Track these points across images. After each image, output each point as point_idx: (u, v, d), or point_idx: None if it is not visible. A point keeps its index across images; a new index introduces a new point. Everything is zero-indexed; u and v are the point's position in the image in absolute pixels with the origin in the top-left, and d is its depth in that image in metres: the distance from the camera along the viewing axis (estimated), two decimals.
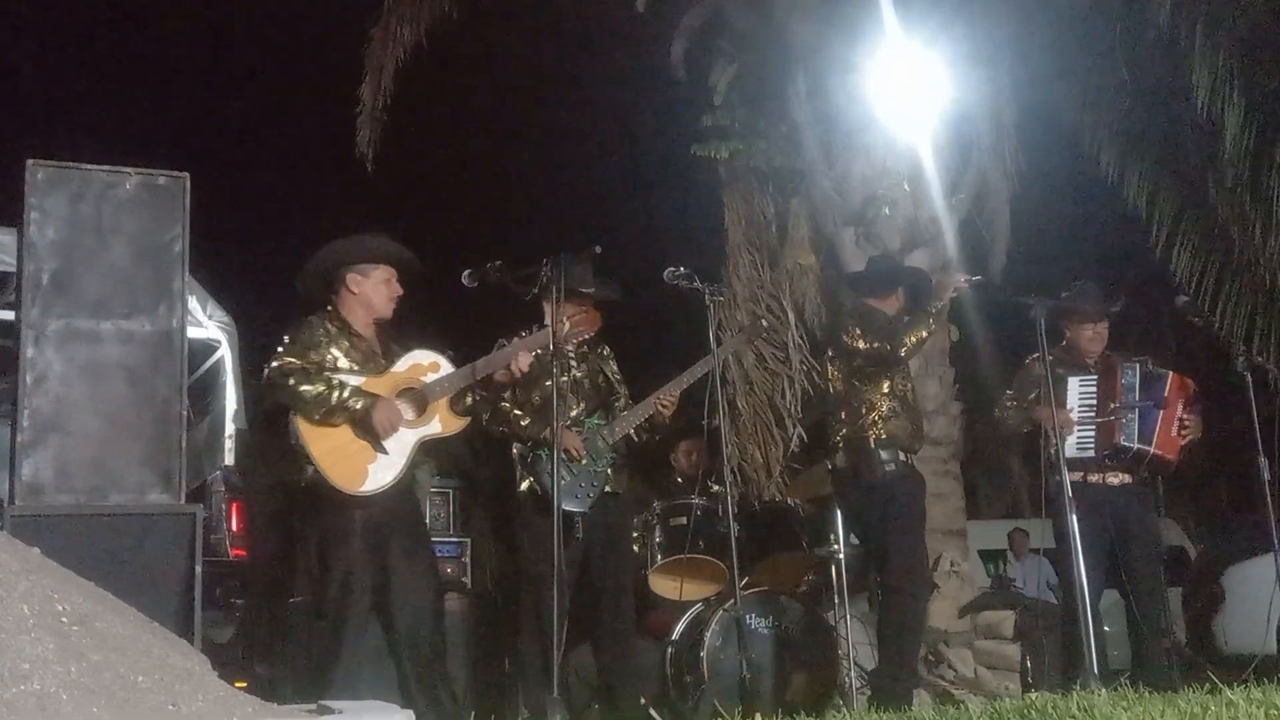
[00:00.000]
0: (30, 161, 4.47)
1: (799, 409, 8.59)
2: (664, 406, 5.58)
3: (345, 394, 4.82)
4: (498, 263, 5.23)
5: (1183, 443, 6.03)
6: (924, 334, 5.74)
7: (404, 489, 5.01)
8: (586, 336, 5.48)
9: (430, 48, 9.63)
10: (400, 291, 5.18)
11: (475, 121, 13.73)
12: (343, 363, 4.98)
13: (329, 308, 5.14)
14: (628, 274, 6.18)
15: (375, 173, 9.94)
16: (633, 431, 5.71)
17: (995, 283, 7.62)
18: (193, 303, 6.55)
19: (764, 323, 7.38)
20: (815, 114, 8.56)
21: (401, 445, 4.92)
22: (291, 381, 4.82)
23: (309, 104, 13.59)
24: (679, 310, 5.50)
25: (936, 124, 8.29)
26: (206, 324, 7.14)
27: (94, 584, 3.26)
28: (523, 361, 5.24)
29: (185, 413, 4.53)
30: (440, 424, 5.06)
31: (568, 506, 5.25)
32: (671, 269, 5.30)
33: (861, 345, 5.76)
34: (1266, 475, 5.72)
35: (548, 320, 5.59)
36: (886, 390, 5.76)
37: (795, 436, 8.55)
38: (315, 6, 12.10)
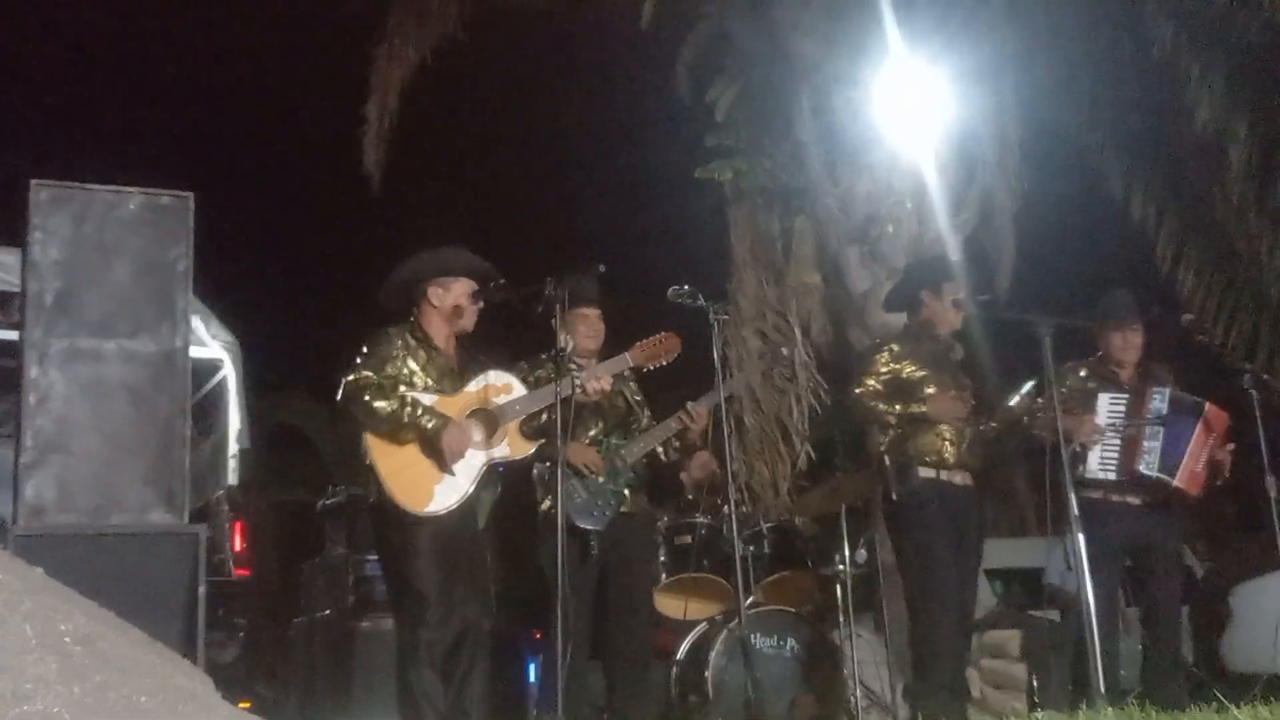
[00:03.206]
0: (34, 181, 4.48)
1: (806, 426, 8.56)
2: (691, 422, 5.57)
3: (418, 412, 4.82)
4: (501, 281, 5.24)
5: (1205, 479, 5.86)
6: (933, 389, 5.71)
7: (469, 508, 5.01)
8: (664, 362, 5.49)
9: (435, 67, 9.65)
10: (480, 304, 5.19)
11: (480, 139, 13.77)
12: (418, 377, 4.98)
13: (411, 320, 5.15)
14: (633, 292, 6.18)
15: (381, 191, 9.96)
16: (662, 450, 5.70)
17: (1001, 300, 7.59)
18: (196, 322, 6.56)
19: (785, 351, 7.36)
20: (819, 132, 8.56)
21: (469, 467, 4.91)
22: (366, 396, 4.81)
23: (314, 123, 13.64)
24: (685, 328, 5.48)
25: (941, 142, 8.29)
26: (210, 343, 7.17)
27: (97, 604, 3.25)
28: (598, 385, 5.24)
29: (188, 432, 4.52)
30: (509, 447, 5.04)
31: (583, 524, 5.26)
32: (675, 287, 5.29)
33: (885, 408, 5.73)
34: (1274, 494, 5.69)
35: (562, 339, 5.60)
36: (916, 408, 5.71)
37: (803, 454, 8.52)
38: (319, 26, 12.13)
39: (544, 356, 5.62)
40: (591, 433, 5.51)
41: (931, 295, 5.93)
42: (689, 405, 5.57)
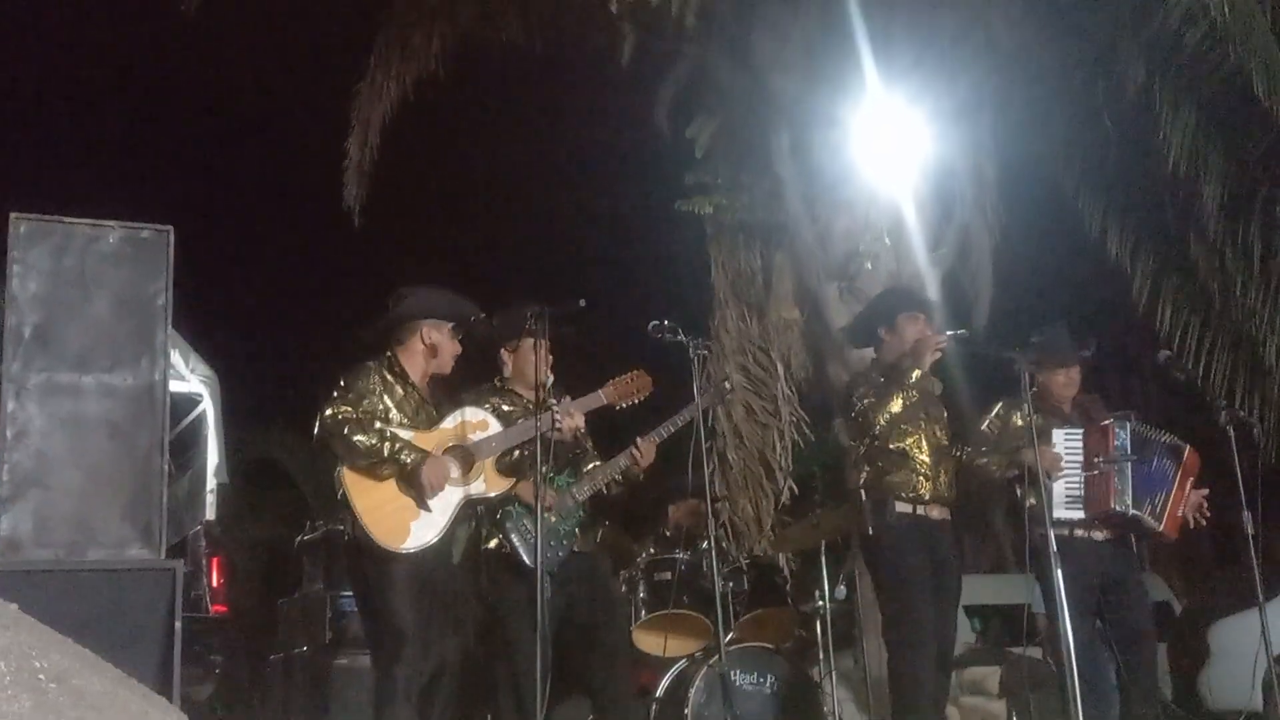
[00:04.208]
0: (13, 215, 4.47)
1: (789, 462, 8.57)
2: (639, 458, 5.53)
3: (396, 447, 4.81)
4: (481, 315, 5.25)
5: (1183, 522, 5.88)
6: (896, 408, 5.69)
7: (446, 544, 4.98)
8: (637, 400, 5.47)
9: (416, 102, 9.69)
10: (459, 338, 5.20)
11: (461, 175, 13.79)
12: (394, 414, 4.97)
13: (388, 354, 5.13)
14: (614, 328, 6.18)
15: (361, 226, 9.96)
16: (604, 486, 5.66)
17: (979, 335, 7.63)
18: (175, 356, 6.54)
19: (727, 385, 7.31)
20: (798, 168, 8.60)
21: (445, 504, 4.90)
22: (346, 430, 4.80)
23: (295, 158, 13.64)
24: (665, 364, 5.48)
25: (918, 178, 8.34)
26: (189, 377, 7.13)
27: (72, 640, 3.22)
28: (574, 423, 5.23)
29: (167, 467, 4.50)
30: (485, 483, 5.04)
31: (534, 564, 5.21)
32: (656, 322, 5.28)
33: (854, 417, 5.76)
34: (1250, 530, 5.69)
35: (507, 371, 5.58)
36: (893, 444, 5.72)
37: (785, 489, 8.52)
38: (301, 60, 12.16)
39: (485, 388, 5.59)
40: (542, 470, 5.45)
41: (888, 330, 5.95)
42: (638, 441, 5.54)
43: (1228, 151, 8.11)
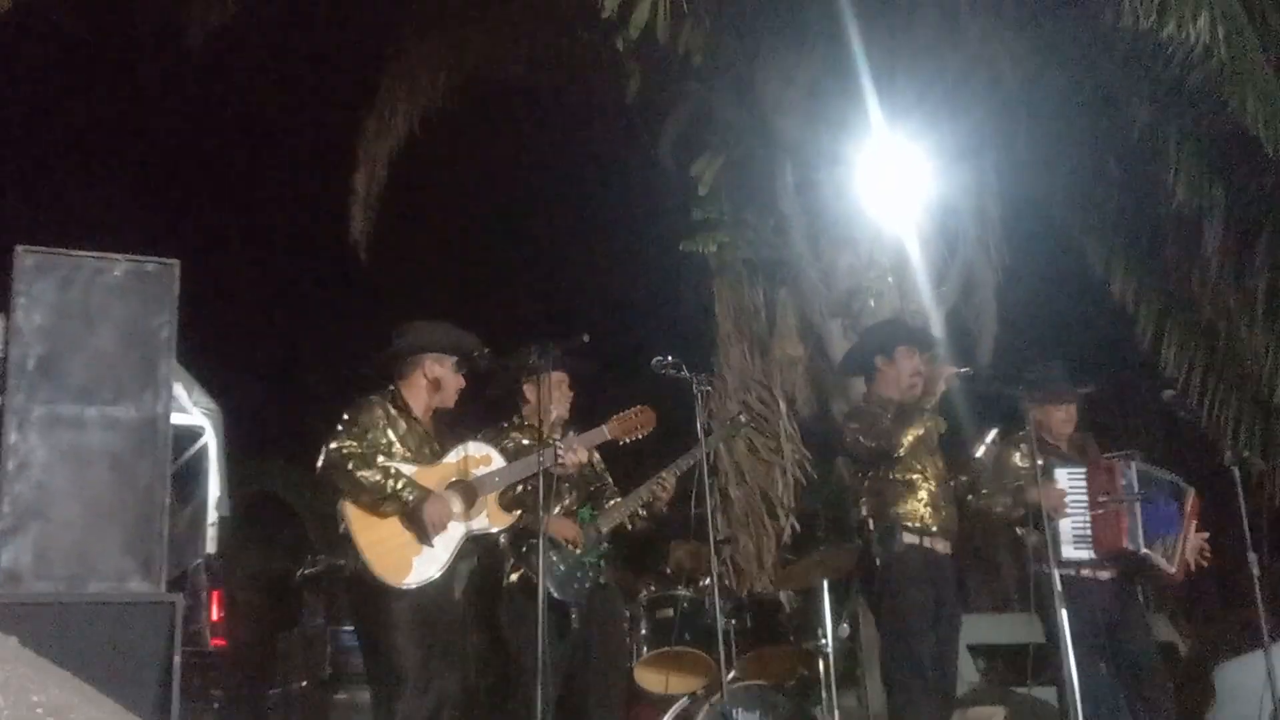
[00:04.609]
0: (19, 247, 4.47)
1: (791, 499, 8.54)
2: (660, 493, 5.56)
3: (400, 484, 4.82)
4: (485, 350, 5.26)
5: (1186, 564, 5.89)
6: (919, 431, 5.68)
7: (447, 580, 4.98)
8: (640, 435, 5.49)
9: (423, 138, 9.73)
10: (463, 373, 5.22)
11: (467, 211, 13.84)
12: (397, 448, 4.99)
13: (391, 388, 5.14)
14: (617, 363, 6.19)
15: (367, 260, 9.99)
16: (628, 519, 5.67)
17: (982, 374, 7.62)
18: (178, 389, 6.54)
19: (743, 418, 7.31)
20: (802, 206, 8.63)
21: (448, 539, 4.91)
22: (351, 465, 4.82)
23: (301, 191, 13.69)
24: (668, 400, 5.49)
25: (922, 217, 8.37)
26: (191, 410, 7.14)
27: (71, 674, 3.21)
28: (577, 458, 5.23)
29: (169, 500, 4.49)
30: (488, 519, 5.05)
31: (563, 597, 5.21)
32: (659, 358, 5.29)
33: (864, 443, 5.74)
34: (1255, 571, 5.67)
35: (528, 409, 5.60)
36: (898, 474, 5.70)
37: (787, 526, 8.49)
38: (309, 94, 12.23)
39: (505, 425, 5.62)
40: (565, 502, 5.48)
41: (885, 361, 5.94)
42: (662, 475, 5.57)
43: (1231, 192, 8.12)
